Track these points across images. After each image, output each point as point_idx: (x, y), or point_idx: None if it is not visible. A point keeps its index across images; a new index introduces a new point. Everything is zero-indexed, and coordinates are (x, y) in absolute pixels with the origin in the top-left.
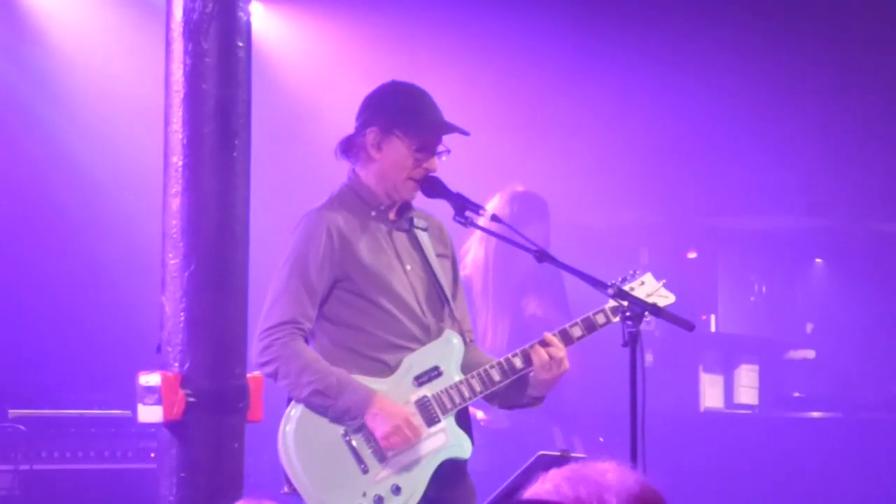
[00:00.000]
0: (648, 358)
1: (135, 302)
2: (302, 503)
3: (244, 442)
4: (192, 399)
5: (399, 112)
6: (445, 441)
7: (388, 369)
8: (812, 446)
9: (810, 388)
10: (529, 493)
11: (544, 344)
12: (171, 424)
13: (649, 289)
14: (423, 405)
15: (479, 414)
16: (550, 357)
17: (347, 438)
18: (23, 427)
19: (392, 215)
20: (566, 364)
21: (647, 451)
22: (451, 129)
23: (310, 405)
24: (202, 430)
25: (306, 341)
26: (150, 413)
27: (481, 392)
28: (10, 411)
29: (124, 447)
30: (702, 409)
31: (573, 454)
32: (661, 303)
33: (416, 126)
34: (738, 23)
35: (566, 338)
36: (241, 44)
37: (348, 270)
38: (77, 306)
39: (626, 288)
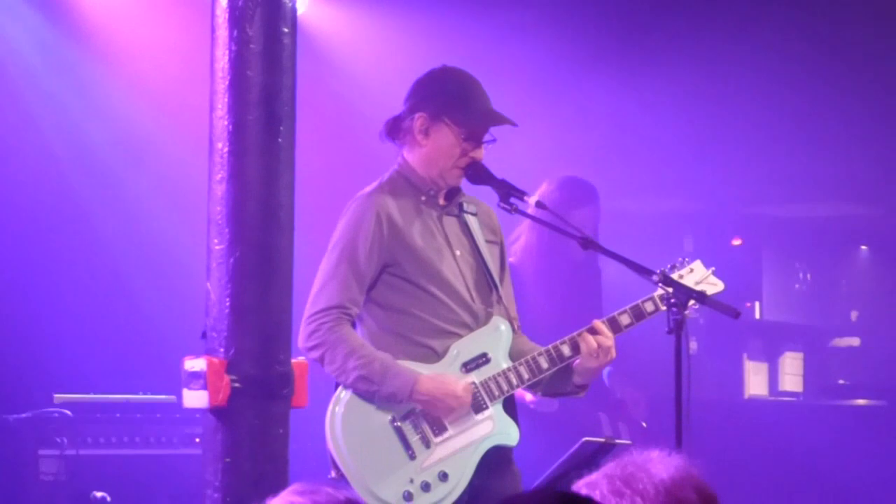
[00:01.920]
0: (693, 345)
1: (181, 288)
2: (349, 488)
3: (289, 428)
4: (237, 385)
5: (449, 100)
6: (493, 428)
7: (435, 355)
8: (857, 434)
9: (855, 375)
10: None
11: (593, 331)
12: (216, 410)
13: (698, 276)
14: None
15: (528, 396)
16: (599, 345)
17: (396, 424)
18: (69, 412)
19: (442, 200)
20: (613, 353)
21: (692, 438)
22: (500, 119)
23: (356, 391)
24: (247, 416)
25: (354, 326)
26: (195, 398)
27: (529, 379)
28: (56, 396)
29: (169, 432)
30: (746, 397)
31: (618, 441)
32: (710, 290)
33: (466, 115)
34: (782, 6)
35: (614, 326)
36: (286, 30)
37: (397, 256)
38: (123, 292)
39: (675, 276)
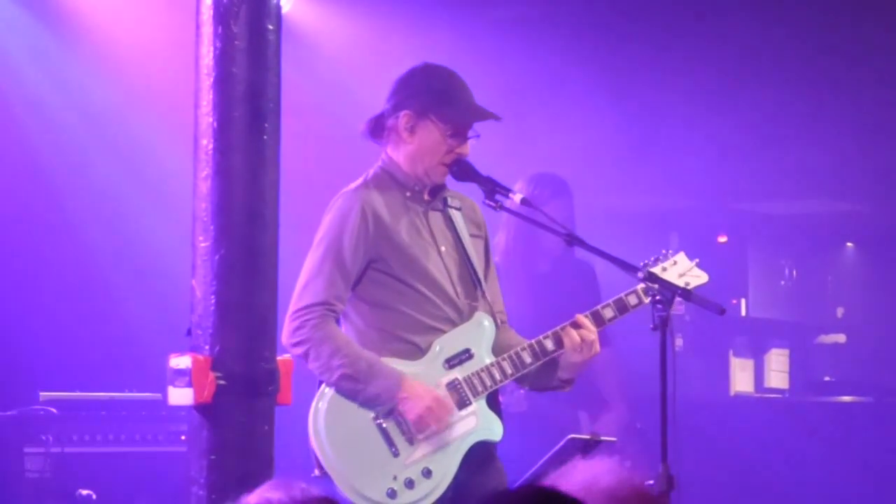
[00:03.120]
0: (678, 342)
1: (165, 285)
2: (333, 486)
3: (274, 425)
4: (222, 382)
5: (434, 96)
6: (476, 424)
7: (419, 351)
8: (842, 431)
9: (841, 372)
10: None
11: (576, 326)
12: (201, 407)
13: (682, 268)
14: (453, 388)
15: None
16: (582, 339)
17: (378, 422)
18: (54, 410)
19: (426, 196)
20: (597, 346)
21: (678, 435)
22: (484, 114)
23: (339, 389)
24: (232, 413)
25: (338, 322)
26: (180, 396)
27: (512, 374)
28: (42, 394)
29: (155, 430)
30: (732, 394)
31: (603, 437)
32: (694, 282)
33: (451, 111)
34: (771, 4)
35: (598, 319)
36: (271, 27)
37: (382, 252)
38: (108, 289)
39: (659, 267)
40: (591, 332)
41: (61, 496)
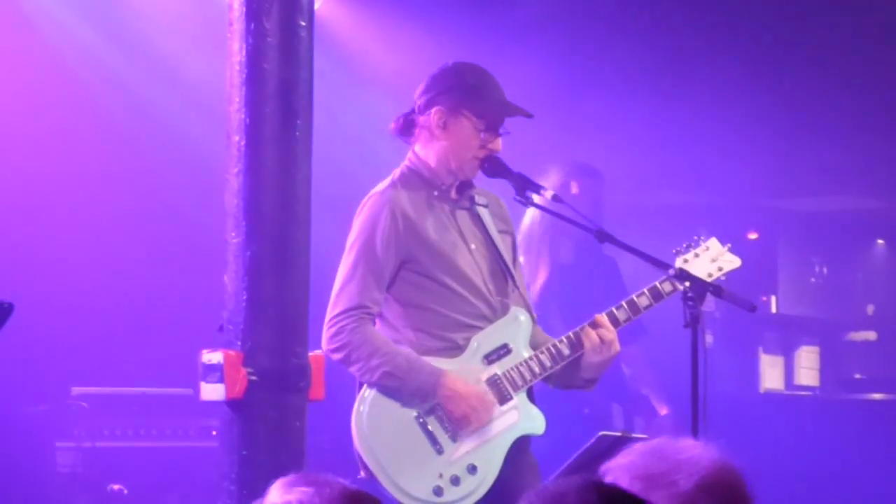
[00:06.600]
0: (708, 339)
1: (198, 281)
2: (379, 488)
3: (306, 421)
4: (253, 378)
5: (467, 92)
6: (518, 418)
7: (457, 349)
8: (873, 428)
9: (871, 369)
10: (608, 464)
11: (594, 325)
12: (232, 403)
13: (714, 253)
14: (494, 383)
15: None
16: (601, 339)
17: (421, 420)
18: (86, 404)
19: (454, 194)
20: (617, 346)
21: (707, 432)
22: (516, 110)
23: (381, 388)
24: (264, 409)
25: (374, 324)
26: (212, 391)
27: (551, 367)
28: (73, 388)
29: (186, 425)
30: (762, 391)
31: (634, 434)
32: (727, 267)
33: (484, 106)
34: (801, 1)
35: (633, 308)
36: (303, 23)
37: (414, 251)
38: (141, 285)
39: (691, 253)
40: (609, 331)
41: (92, 490)
